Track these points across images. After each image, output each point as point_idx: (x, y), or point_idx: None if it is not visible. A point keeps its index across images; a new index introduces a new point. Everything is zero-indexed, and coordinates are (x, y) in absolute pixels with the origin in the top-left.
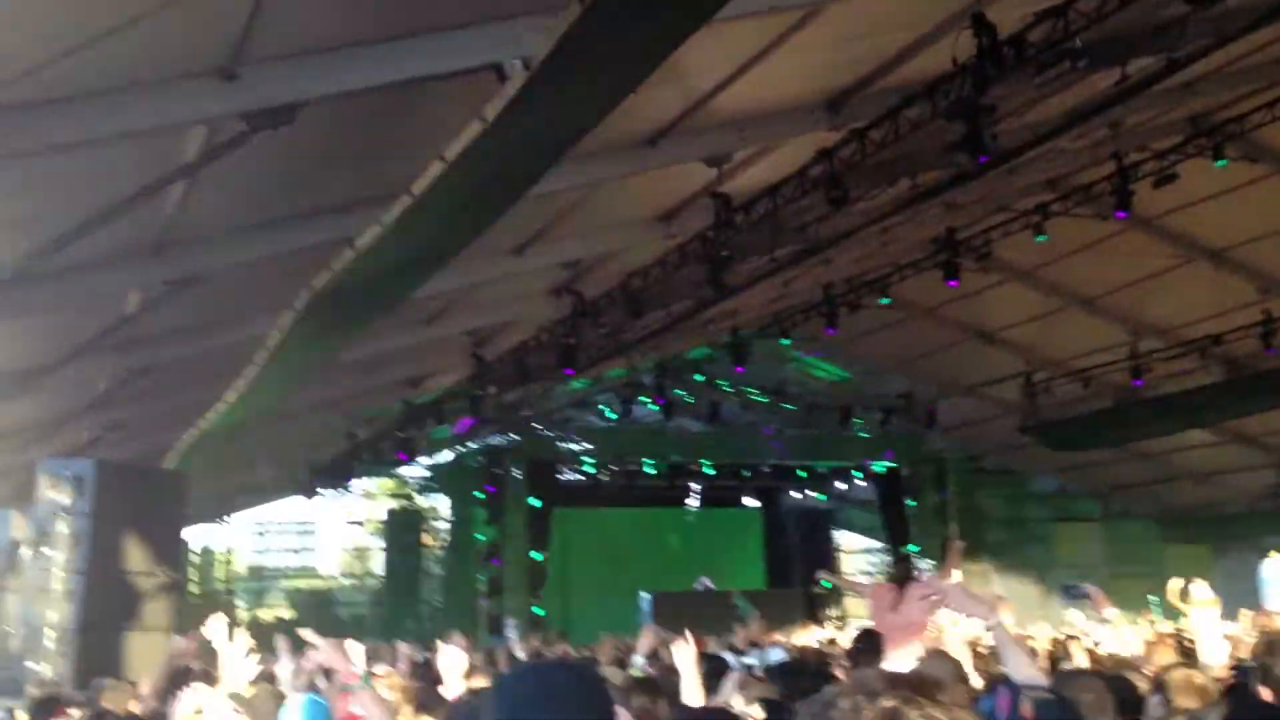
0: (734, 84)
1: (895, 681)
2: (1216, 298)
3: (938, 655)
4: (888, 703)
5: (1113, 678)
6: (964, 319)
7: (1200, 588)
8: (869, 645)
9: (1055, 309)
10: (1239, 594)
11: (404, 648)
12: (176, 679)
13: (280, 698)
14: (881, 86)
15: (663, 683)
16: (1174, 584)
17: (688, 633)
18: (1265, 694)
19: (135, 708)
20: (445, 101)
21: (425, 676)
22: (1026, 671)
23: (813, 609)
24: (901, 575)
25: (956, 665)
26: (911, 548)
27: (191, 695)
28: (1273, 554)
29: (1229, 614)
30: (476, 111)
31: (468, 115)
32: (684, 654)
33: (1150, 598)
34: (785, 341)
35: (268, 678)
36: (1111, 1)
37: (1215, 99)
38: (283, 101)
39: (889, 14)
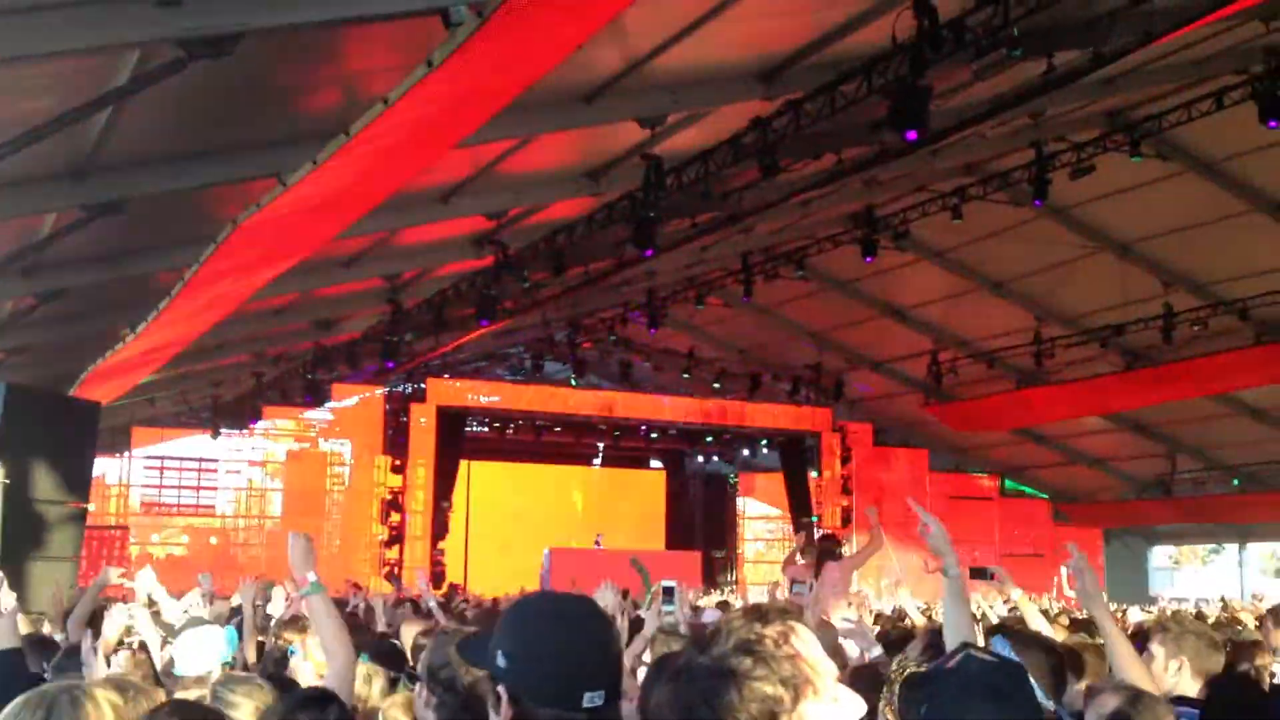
0: (673, 47)
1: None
2: (1120, 289)
3: (822, 625)
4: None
5: (1047, 645)
6: (876, 295)
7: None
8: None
9: (965, 290)
10: (1127, 578)
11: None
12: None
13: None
14: (818, 60)
15: None
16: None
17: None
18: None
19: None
20: (382, 44)
21: None
22: (964, 632)
23: (711, 573)
24: (822, 554)
25: (833, 634)
26: (811, 518)
27: (119, 613)
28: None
29: (1117, 599)
30: (413, 56)
31: (404, 60)
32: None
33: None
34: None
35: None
36: None
37: (1134, 95)
38: (223, 31)
39: None
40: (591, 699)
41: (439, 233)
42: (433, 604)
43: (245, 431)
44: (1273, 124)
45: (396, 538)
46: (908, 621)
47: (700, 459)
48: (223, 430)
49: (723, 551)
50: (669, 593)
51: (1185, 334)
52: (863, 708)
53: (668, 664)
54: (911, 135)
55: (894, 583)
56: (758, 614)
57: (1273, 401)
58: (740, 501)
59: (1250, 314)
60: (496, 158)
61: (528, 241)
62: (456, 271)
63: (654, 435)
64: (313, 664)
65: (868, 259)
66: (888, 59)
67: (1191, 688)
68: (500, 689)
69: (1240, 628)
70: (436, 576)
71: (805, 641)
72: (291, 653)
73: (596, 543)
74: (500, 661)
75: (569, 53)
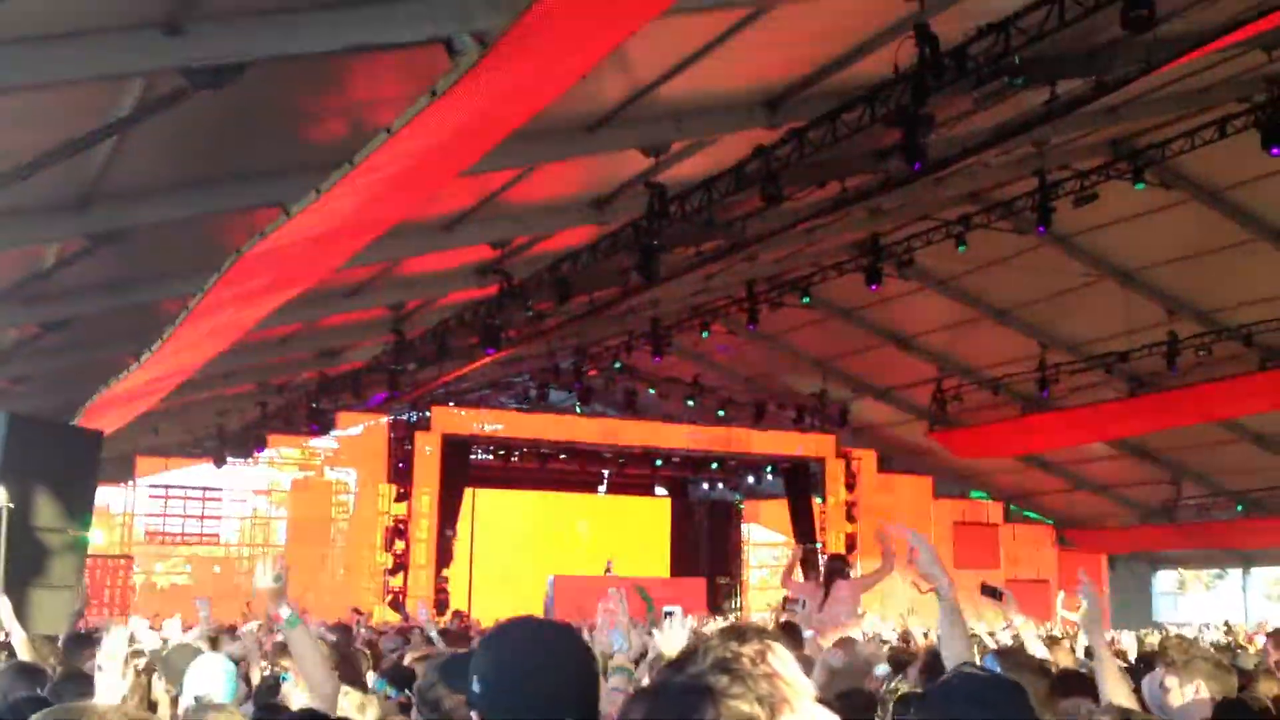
0: (676, 76)
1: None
2: (1124, 316)
3: (845, 642)
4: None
5: (1040, 667)
6: (881, 323)
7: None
8: (790, 634)
9: (969, 318)
10: (1131, 604)
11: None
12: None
13: (197, 653)
14: (821, 89)
15: None
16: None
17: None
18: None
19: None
20: (386, 73)
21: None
22: (961, 651)
23: (715, 600)
24: (831, 572)
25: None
26: (815, 544)
27: (120, 634)
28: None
29: (1122, 623)
30: (417, 86)
31: (408, 89)
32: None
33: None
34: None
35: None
36: (1051, 20)
37: (1136, 124)
38: (226, 60)
39: (834, 17)
40: None
41: (443, 262)
42: (433, 633)
43: (250, 460)
44: (1275, 152)
45: (401, 566)
46: (911, 644)
47: (705, 486)
48: (227, 459)
49: (727, 578)
50: (671, 617)
51: (1189, 360)
52: None
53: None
54: (915, 164)
55: (907, 611)
56: (735, 632)
57: (1277, 427)
58: (745, 528)
59: (1254, 340)
60: (500, 187)
61: (532, 270)
62: (460, 301)
63: (659, 462)
64: (304, 692)
65: (872, 287)
66: (890, 88)
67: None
68: (473, 714)
69: (1240, 653)
70: (440, 604)
71: (782, 660)
72: (284, 679)
73: (608, 569)
74: (476, 686)
75: (572, 82)
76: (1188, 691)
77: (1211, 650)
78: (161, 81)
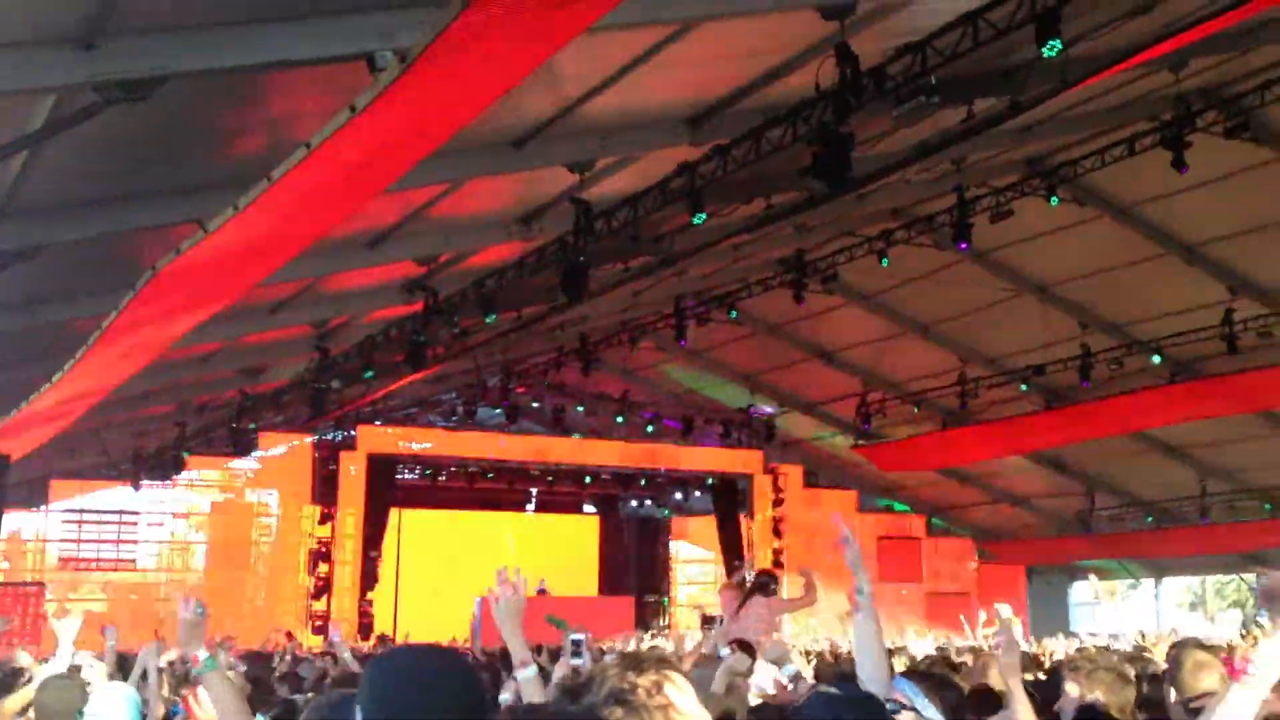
0: (602, 93)
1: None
2: (1040, 330)
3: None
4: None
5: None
6: (807, 337)
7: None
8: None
9: (892, 334)
10: (1050, 614)
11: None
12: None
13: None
14: (744, 107)
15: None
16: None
17: None
18: None
19: None
20: (307, 88)
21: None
22: (874, 650)
23: (643, 618)
24: (755, 587)
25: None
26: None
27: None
28: (1092, 577)
29: (1041, 633)
30: (339, 101)
31: (330, 104)
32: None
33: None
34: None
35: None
36: (966, 41)
37: (1050, 142)
38: (141, 75)
39: (757, 37)
40: None
41: (367, 279)
42: (347, 656)
43: (168, 483)
44: (1184, 170)
45: (324, 589)
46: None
47: (633, 503)
48: (144, 482)
49: (656, 596)
50: (577, 645)
51: (1102, 374)
52: None
53: (538, 713)
54: (835, 182)
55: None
56: (633, 662)
57: (1186, 439)
58: (673, 545)
59: (1164, 353)
60: (426, 203)
61: (458, 287)
62: (386, 317)
63: (587, 480)
64: None
65: (800, 304)
66: (812, 106)
67: None
68: None
69: (1150, 659)
70: (365, 627)
71: (680, 690)
72: (175, 712)
73: (541, 590)
74: (359, 718)
75: (496, 99)
76: (1087, 699)
77: (1116, 661)
78: (75, 96)
